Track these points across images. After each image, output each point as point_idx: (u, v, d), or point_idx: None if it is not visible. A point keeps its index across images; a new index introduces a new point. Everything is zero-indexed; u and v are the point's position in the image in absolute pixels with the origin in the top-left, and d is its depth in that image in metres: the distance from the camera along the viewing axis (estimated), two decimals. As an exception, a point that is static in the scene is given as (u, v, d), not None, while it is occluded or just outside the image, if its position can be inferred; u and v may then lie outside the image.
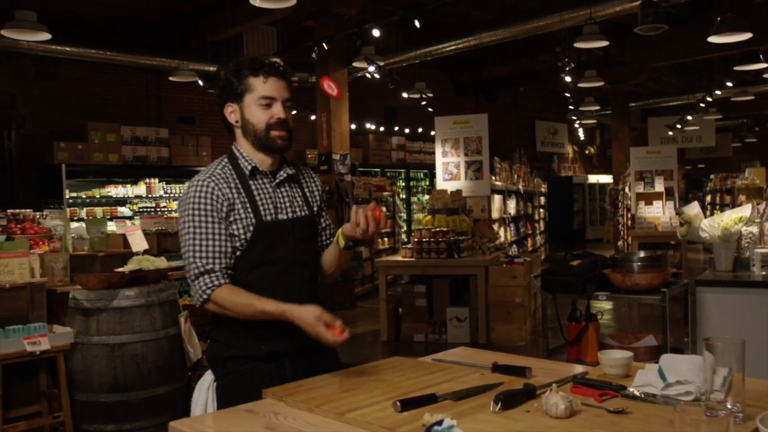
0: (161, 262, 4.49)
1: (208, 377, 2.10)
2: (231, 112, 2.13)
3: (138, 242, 4.99)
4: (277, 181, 2.15)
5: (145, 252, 4.97)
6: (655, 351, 3.32)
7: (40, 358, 3.95)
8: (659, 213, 10.31)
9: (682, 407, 1.30)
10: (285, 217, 2.11)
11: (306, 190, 2.24)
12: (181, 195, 2.13)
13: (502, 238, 9.74)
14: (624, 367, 1.88)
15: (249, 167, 2.11)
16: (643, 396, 1.65)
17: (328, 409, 1.62)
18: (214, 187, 2.05)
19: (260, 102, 2.08)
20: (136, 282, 4.20)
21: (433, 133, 9.18)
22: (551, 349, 3.95)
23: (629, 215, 11.49)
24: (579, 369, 1.98)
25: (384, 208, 1.97)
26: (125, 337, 4.00)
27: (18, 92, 9.90)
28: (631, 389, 1.68)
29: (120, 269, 4.35)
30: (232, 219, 2.05)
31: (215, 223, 2.02)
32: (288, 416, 1.62)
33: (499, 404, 1.57)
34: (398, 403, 1.59)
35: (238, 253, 2.05)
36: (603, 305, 8.37)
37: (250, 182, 2.10)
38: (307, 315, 1.91)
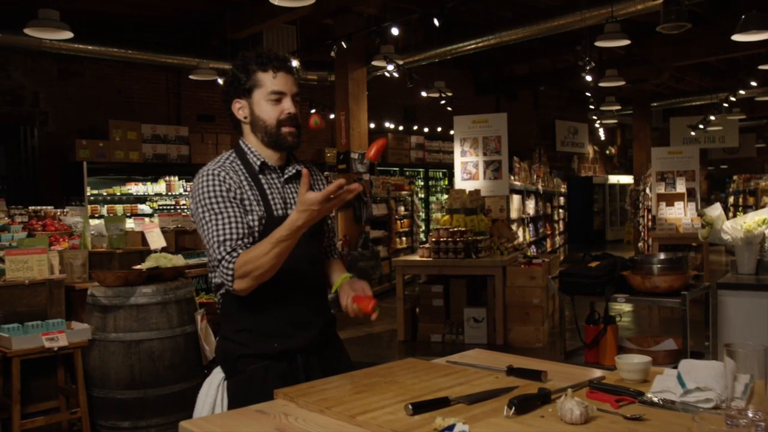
0: (178, 260, 4.50)
1: (217, 375, 2.08)
2: (239, 108, 2.11)
3: (156, 240, 5.01)
4: (285, 177, 2.14)
5: (163, 249, 4.99)
6: (675, 355, 3.26)
7: (58, 354, 3.99)
8: (680, 214, 10.18)
9: (701, 415, 1.26)
10: None
11: (315, 187, 2.22)
12: (192, 188, 2.09)
13: (521, 239, 9.68)
14: (642, 373, 1.84)
15: (258, 162, 2.09)
16: (661, 402, 1.61)
17: (339, 411, 1.60)
18: (225, 175, 2.01)
19: (270, 97, 2.06)
20: (153, 279, 4.22)
21: (452, 132, 9.15)
22: (568, 351, 3.90)
23: (650, 216, 11.36)
24: (596, 373, 1.94)
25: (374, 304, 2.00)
26: (142, 334, 4.02)
27: (41, 90, 10.03)
28: (649, 395, 1.65)
29: (137, 267, 4.37)
30: (247, 209, 2.02)
31: (232, 207, 1.97)
32: (298, 417, 1.61)
33: (513, 409, 1.54)
34: (410, 406, 1.57)
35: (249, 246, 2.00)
36: (622, 307, 8.28)
37: (260, 177, 2.08)
38: (302, 200, 1.78)
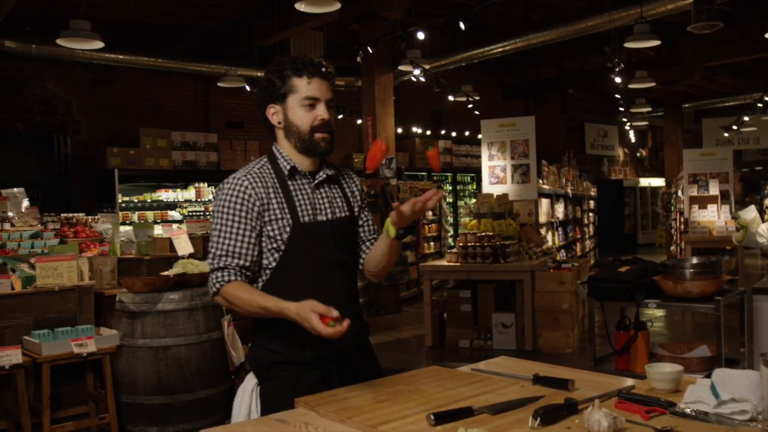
0: (205, 266, 4.51)
1: (250, 381, 2.08)
2: (273, 114, 2.11)
3: (183, 246, 5.05)
4: (316, 182, 2.12)
5: (191, 256, 5.02)
6: (709, 362, 3.18)
7: (87, 360, 4.03)
8: (714, 217, 9.96)
9: (736, 428, 1.21)
10: (324, 218, 2.08)
11: (347, 191, 2.21)
12: (215, 191, 2.12)
13: (550, 243, 9.57)
14: (673, 382, 1.78)
15: (288, 167, 2.09)
16: (693, 414, 1.56)
17: (360, 420, 1.57)
18: (248, 186, 2.03)
19: (304, 103, 2.05)
20: (180, 285, 4.24)
21: (479, 136, 9.09)
22: (598, 358, 3.83)
23: (682, 219, 11.14)
24: (625, 382, 1.88)
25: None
26: (169, 340, 4.04)
27: (74, 99, 10.21)
28: (681, 406, 1.59)
29: (165, 273, 4.40)
30: (267, 219, 2.03)
31: (241, 223, 2.02)
32: (318, 427, 1.59)
33: (538, 420, 1.50)
34: (432, 417, 1.54)
35: (276, 255, 2.03)
36: (654, 313, 8.13)
37: (289, 183, 2.08)
38: (302, 309, 1.83)
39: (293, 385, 1.96)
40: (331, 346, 1.95)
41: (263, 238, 2.04)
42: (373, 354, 2.23)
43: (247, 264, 2.03)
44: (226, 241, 2.02)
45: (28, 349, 3.91)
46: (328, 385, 1.96)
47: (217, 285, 2.01)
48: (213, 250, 2.04)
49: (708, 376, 1.68)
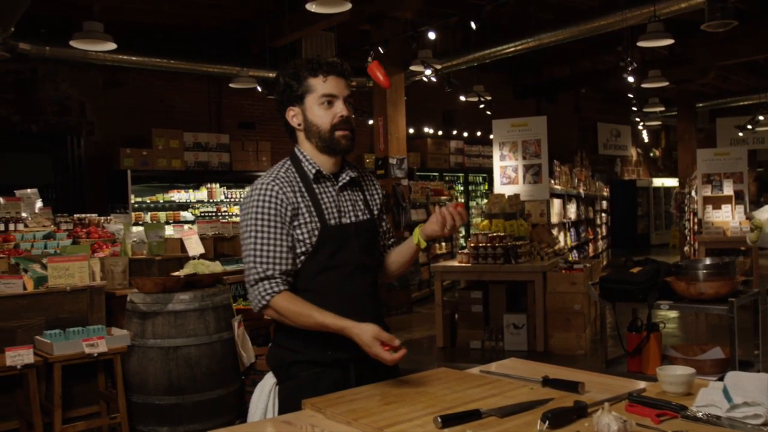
0: (216, 267, 4.53)
1: (269, 380, 2.08)
2: (293, 116, 2.12)
3: (194, 246, 5.06)
4: (340, 184, 2.13)
5: (201, 256, 5.03)
6: (722, 364, 3.14)
7: (98, 360, 4.04)
8: (728, 217, 9.87)
9: (747, 433, 1.19)
10: (348, 221, 2.09)
11: (367, 194, 2.22)
12: (243, 198, 2.11)
13: (562, 243, 9.51)
14: (685, 385, 1.75)
15: (313, 171, 2.09)
16: (705, 418, 1.53)
17: (366, 423, 1.56)
18: (278, 190, 2.02)
19: (321, 101, 2.06)
20: (190, 286, 4.25)
21: (491, 136, 9.06)
22: (611, 359, 3.80)
23: (696, 220, 11.05)
24: (636, 385, 1.86)
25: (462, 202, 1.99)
26: (179, 340, 4.05)
27: (87, 100, 10.27)
28: (693, 410, 1.57)
29: (175, 273, 4.41)
30: (296, 223, 2.03)
31: (277, 227, 2.00)
32: (324, 429, 1.58)
33: (547, 423, 1.48)
34: (439, 419, 1.52)
35: (303, 258, 2.04)
36: (668, 314, 8.06)
37: (314, 186, 2.08)
38: (365, 333, 1.86)
39: (312, 386, 1.96)
40: (351, 347, 1.95)
41: None
42: None
43: (289, 269, 2.02)
44: (266, 248, 1.99)
45: (40, 349, 3.93)
46: (347, 387, 1.96)
47: (267, 297, 1.98)
48: (252, 259, 1.99)
49: (721, 379, 1.66)
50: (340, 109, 2.07)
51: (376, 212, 2.22)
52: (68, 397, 4.06)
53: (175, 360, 4.03)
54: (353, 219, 2.11)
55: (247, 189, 2.09)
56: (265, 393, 2.05)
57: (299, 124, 2.11)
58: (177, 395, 4.02)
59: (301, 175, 2.09)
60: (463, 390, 1.82)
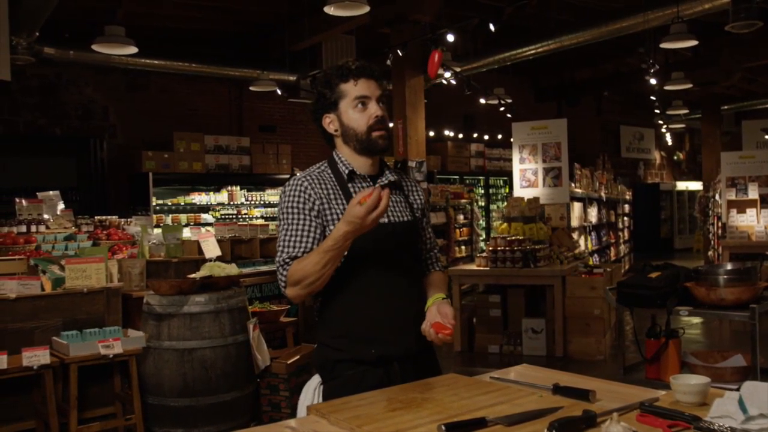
0: (232, 269, 4.53)
1: (315, 379, 2.11)
2: (329, 123, 2.16)
3: (211, 249, 5.07)
4: (377, 185, 2.13)
5: (218, 258, 5.04)
6: (743, 372, 3.06)
7: (114, 361, 4.06)
8: (753, 221, 9.69)
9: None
10: (385, 220, 2.09)
11: (410, 197, 2.25)
12: (280, 194, 2.17)
13: (582, 247, 9.40)
14: (699, 395, 1.70)
15: (347, 171, 2.13)
16: (719, 429, 1.48)
17: (370, 430, 1.53)
18: (307, 186, 2.08)
19: (355, 103, 2.10)
20: (206, 288, 4.26)
21: (512, 139, 8.99)
22: (629, 365, 3.73)
23: (720, 224, 10.87)
24: (650, 394, 1.81)
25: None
26: (194, 342, 4.06)
27: (110, 104, 10.39)
28: (707, 421, 1.52)
29: (192, 275, 4.42)
30: (330, 219, 2.06)
31: (306, 219, 2.06)
32: (327, 436, 1.56)
33: (554, 432, 1.45)
34: (443, 427, 1.49)
35: None
36: (690, 320, 7.93)
37: (349, 185, 2.12)
38: (348, 212, 1.89)
39: (356, 384, 1.97)
40: (396, 344, 1.97)
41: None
42: (434, 355, 2.23)
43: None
44: (293, 238, 2.06)
45: (57, 350, 3.96)
46: (391, 385, 1.96)
47: (284, 273, 2.04)
48: (281, 247, 2.08)
49: (738, 389, 1.61)
50: (374, 109, 2.10)
51: (418, 214, 2.24)
52: (84, 398, 4.08)
53: (190, 362, 4.04)
54: (391, 219, 2.12)
55: (284, 185, 2.18)
56: (310, 392, 2.07)
57: (336, 130, 2.15)
58: (191, 397, 4.03)
59: (336, 175, 2.14)
60: (470, 397, 1.79)
